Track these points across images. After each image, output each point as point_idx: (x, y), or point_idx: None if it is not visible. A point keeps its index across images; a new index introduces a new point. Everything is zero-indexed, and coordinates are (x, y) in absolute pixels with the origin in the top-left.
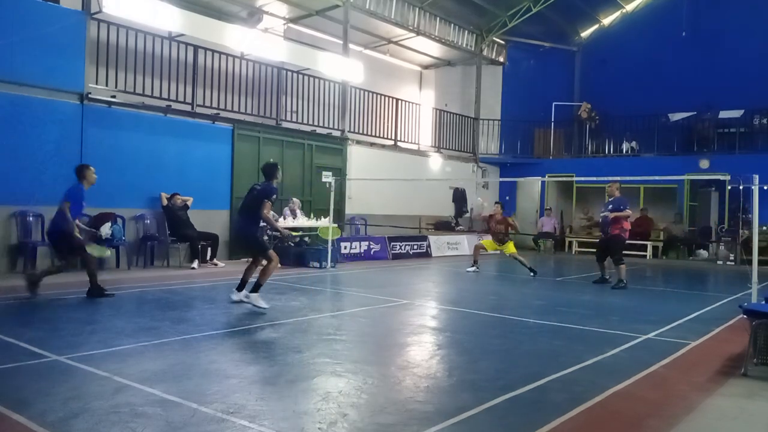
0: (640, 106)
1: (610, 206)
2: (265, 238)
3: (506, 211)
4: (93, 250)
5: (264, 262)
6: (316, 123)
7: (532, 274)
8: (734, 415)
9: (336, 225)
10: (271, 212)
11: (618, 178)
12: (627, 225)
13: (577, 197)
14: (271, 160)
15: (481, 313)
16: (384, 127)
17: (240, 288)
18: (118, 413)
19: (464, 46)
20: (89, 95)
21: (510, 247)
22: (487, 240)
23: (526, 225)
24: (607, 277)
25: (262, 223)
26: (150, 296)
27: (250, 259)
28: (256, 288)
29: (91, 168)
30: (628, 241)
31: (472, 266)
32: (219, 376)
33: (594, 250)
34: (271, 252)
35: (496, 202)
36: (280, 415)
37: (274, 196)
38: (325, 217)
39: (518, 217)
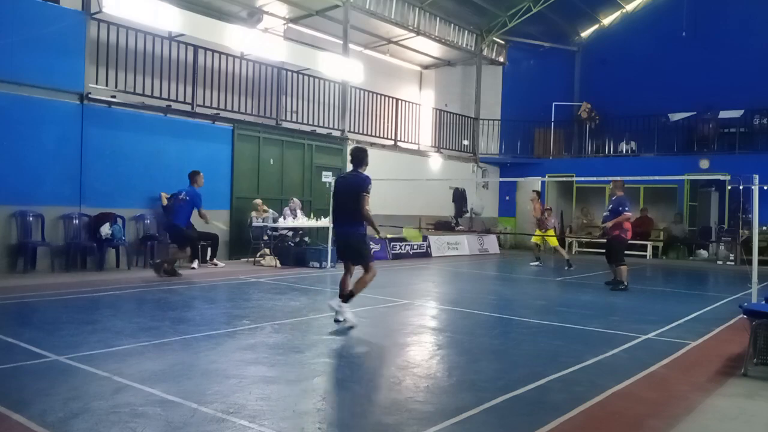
0: (640, 106)
1: (611, 206)
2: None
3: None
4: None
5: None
6: (316, 123)
7: (567, 267)
8: (734, 415)
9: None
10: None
11: (619, 178)
12: (628, 225)
13: (577, 197)
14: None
15: (481, 313)
16: (384, 127)
17: (346, 300)
18: (118, 413)
19: (464, 46)
20: (89, 95)
21: (553, 239)
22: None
23: (526, 225)
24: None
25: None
26: (150, 296)
27: (348, 269)
28: (348, 297)
29: (200, 173)
30: (629, 241)
31: (536, 261)
32: (219, 376)
33: (596, 250)
34: (372, 263)
35: (533, 190)
36: (280, 415)
37: (370, 187)
38: (325, 217)
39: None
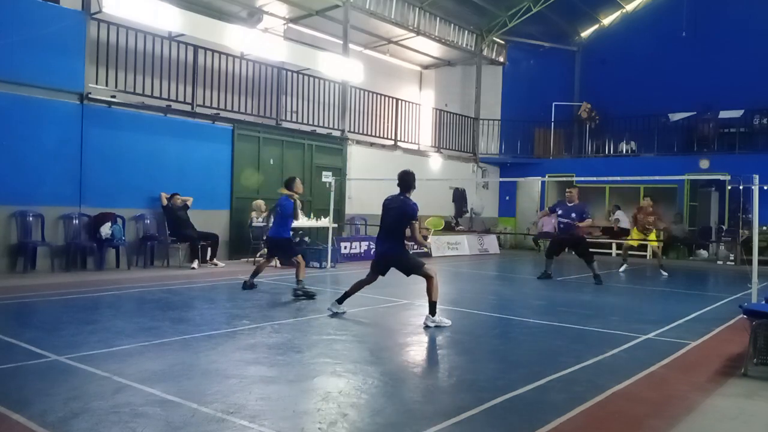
0: (640, 106)
1: (573, 214)
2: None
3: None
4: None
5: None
6: (316, 123)
7: (665, 274)
8: (734, 415)
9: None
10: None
11: (619, 178)
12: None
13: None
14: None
15: (481, 313)
16: (384, 127)
17: (341, 300)
18: (118, 413)
19: (464, 46)
20: (89, 95)
21: (653, 237)
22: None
23: (526, 225)
24: (550, 271)
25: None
26: (150, 296)
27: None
28: (433, 309)
29: (298, 179)
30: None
31: (623, 266)
32: (219, 376)
33: (595, 250)
34: (428, 267)
35: (645, 197)
36: (280, 415)
37: (418, 214)
38: (325, 217)
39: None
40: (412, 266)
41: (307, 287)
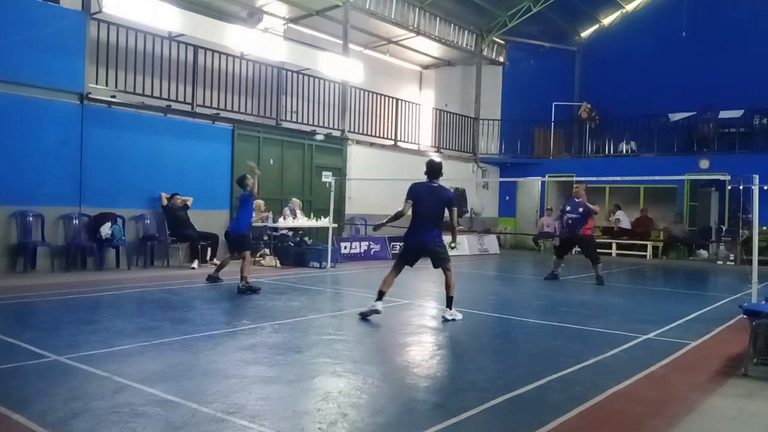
0: (640, 106)
1: (581, 209)
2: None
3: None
4: None
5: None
6: (316, 123)
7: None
8: (734, 415)
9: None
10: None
11: (619, 178)
12: (592, 223)
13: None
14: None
15: (481, 313)
16: (384, 127)
17: (380, 297)
18: (118, 413)
19: (464, 46)
20: (89, 95)
21: None
22: None
23: (526, 225)
24: (557, 272)
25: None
26: (150, 296)
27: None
28: (450, 303)
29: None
30: (630, 241)
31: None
32: (219, 376)
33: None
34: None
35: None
36: (280, 415)
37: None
38: (325, 217)
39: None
40: (445, 258)
41: (251, 283)
